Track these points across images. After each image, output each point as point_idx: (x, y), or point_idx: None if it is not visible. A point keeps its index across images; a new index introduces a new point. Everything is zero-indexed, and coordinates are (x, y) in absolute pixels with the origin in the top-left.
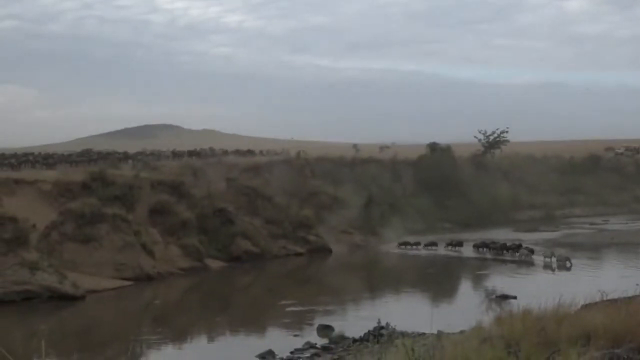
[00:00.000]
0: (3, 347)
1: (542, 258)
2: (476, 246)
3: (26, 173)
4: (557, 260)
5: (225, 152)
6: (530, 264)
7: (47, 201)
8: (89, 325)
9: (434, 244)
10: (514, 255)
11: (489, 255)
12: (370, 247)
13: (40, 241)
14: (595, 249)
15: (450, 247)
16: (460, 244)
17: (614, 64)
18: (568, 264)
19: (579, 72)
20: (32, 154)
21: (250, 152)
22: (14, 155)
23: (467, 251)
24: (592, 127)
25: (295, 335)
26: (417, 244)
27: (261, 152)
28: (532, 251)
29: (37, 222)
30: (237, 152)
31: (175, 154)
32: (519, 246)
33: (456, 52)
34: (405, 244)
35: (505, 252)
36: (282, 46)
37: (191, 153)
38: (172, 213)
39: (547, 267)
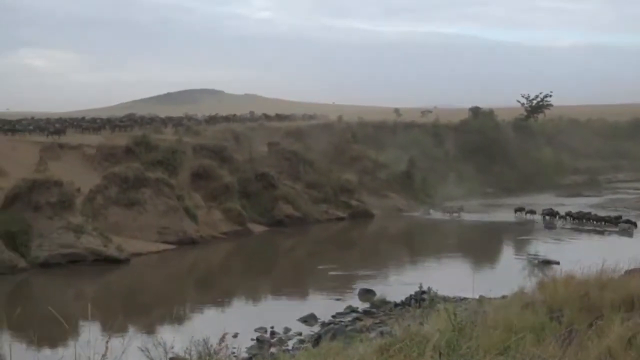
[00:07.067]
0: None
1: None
2: (574, 217)
3: (70, 138)
4: None
5: (266, 117)
6: (629, 235)
7: (91, 165)
8: (133, 288)
9: (553, 214)
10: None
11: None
12: (413, 211)
13: (85, 205)
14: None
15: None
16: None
17: None
18: None
19: (624, 33)
20: (76, 118)
21: (279, 117)
22: (59, 120)
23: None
24: (637, 89)
25: (337, 300)
26: (532, 212)
27: (299, 115)
28: (635, 224)
29: (81, 186)
30: (276, 117)
31: (214, 119)
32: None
33: (499, 15)
34: (521, 210)
35: (603, 223)
36: (323, 10)
37: (228, 118)
38: (215, 177)
39: None
